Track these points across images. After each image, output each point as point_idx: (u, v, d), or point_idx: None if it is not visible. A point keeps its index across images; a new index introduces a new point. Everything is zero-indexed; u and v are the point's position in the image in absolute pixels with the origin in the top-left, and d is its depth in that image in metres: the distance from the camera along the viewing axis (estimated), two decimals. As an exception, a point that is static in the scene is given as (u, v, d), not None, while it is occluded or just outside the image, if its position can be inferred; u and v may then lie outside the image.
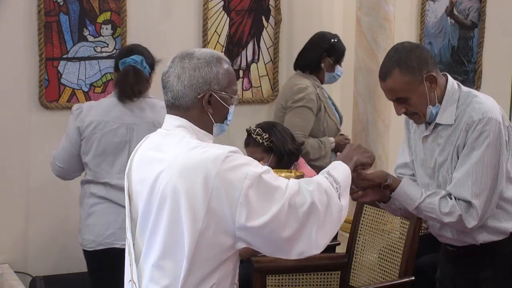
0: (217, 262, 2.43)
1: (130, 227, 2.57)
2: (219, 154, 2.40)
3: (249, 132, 4.41)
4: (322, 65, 4.91)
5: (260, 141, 4.33)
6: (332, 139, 4.87)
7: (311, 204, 2.44)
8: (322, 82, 4.97)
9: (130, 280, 2.56)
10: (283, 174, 2.83)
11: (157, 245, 2.46)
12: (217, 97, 2.52)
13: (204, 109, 2.52)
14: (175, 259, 2.43)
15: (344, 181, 2.59)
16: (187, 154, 2.43)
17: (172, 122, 2.55)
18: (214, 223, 2.39)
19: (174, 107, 2.54)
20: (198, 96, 2.51)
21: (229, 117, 2.59)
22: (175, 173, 2.41)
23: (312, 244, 2.47)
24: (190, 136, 2.50)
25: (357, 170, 2.82)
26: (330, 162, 4.73)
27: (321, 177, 2.54)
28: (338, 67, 4.93)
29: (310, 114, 4.80)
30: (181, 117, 2.53)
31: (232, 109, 2.59)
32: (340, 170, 2.61)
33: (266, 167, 2.45)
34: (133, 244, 2.55)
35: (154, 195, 2.47)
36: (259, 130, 4.38)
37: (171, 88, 2.53)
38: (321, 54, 4.90)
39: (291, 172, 3.00)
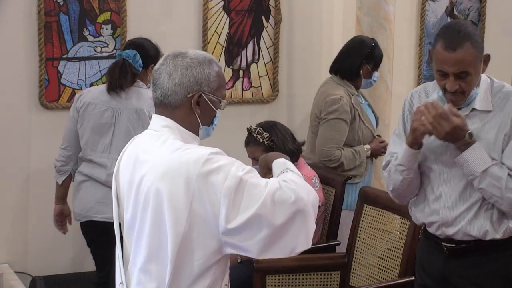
0: (205, 266, 2.41)
1: (118, 230, 2.57)
2: (200, 155, 2.38)
3: (249, 131, 4.41)
4: (361, 72, 4.84)
5: (261, 140, 4.33)
6: (367, 146, 4.81)
7: (295, 199, 2.40)
8: (358, 88, 4.90)
9: (121, 283, 2.55)
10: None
11: (143, 248, 2.46)
12: (206, 98, 2.51)
13: (192, 110, 2.50)
14: (160, 262, 2.41)
15: (298, 172, 2.57)
16: (169, 156, 2.41)
17: (159, 122, 2.53)
18: (197, 226, 2.37)
19: (162, 105, 2.52)
20: (188, 95, 2.49)
21: (215, 121, 2.58)
22: (157, 175, 2.40)
23: (302, 238, 2.43)
24: (174, 138, 2.48)
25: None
26: (365, 171, 4.80)
27: (290, 174, 2.50)
28: (375, 73, 4.86)
29: (344, 125, 4.74)
30: (168, 117, 2.51)
31: (219, 113, 2.57)
32: (291, 166, 2.57)
33: (248, 168, 2.42)
34: (122, 247, 2.55)
35: (139, 197, 2.46)
36: (259, 129, 4.38)
37: (161, 85, 2.51)
38: (361, 61, 4.81)
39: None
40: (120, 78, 4.29)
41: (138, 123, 4.30)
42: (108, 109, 4.33)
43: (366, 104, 4.99)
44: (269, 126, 4.42)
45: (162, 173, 2.39)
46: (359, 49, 4.85)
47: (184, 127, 2.51)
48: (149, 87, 4.35)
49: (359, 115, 4.79)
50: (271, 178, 2.47)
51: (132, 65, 4.30)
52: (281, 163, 2.59)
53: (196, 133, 2.55)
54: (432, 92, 3.21)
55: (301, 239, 2.43)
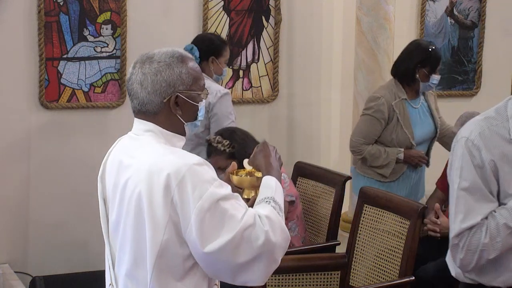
0: (182, 271, 2.39)
1: (107, 231, 2.55)
2: (182, 165, 2.34)
3: (208, 142, 4.32)
4: (417, 76, 4.85)
5: (222, 148, 4.22)
6: (401, 150, 4.82)
7: (264, 242, 2.36)
8: (417, 92, 4.90)
9: (110, 284, 2.55)
10: (256, 174, 2.75)
11: (127, 253, 2.45)
12: (183, 97, 2.47)
13: (172, 112, 2.46)
14: (144, 268, 2.40)
15: (282, 204, 2.52)
16: (151, 162, 2.38)
17: (140, 126, 2.50)
18: (174, 233, 2.35)
19: (141, 113, 2.49)
20: (164, 100, 2.45)
21: (200, 113, 2.53)
22: (140, 181, 2.38)
23: (259, 276, 2.40)
24: (157, 142, 2.45)
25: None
26: (392, 172, 4.80)
27: (271, 211, 2.44)
28: (433, 76, 4.81)
29: (375, 123, 4.79)
30: (149, 121, 2.48)
31: (202, 105, 2.53)
32: (279, 193, 2.53)
33: (228, 191, 2.38)
34: (109, 248, 2.54)
35: (123, 201, 2.44)
36: (218, 137, 4.27)
37: (136, 96, 2.47)
38: (415, 65, 4.80)
39: (253, 171, 2.89)
40: None
41: None
42: None
43: (425, 111, 4.95)
44: (229, 133, 4.31)
45: (144, 179, 2.37)
46: (413, 53, 4.85)
47: (168, 129, 2.48)
48: (215, 79, 4.74)
49: (398, 118, 4.80)
50: (248, 210, 2.39)
51: None
52: (271, 188, 2.53)
53: (181, 132, 2.52)
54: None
55: (256, 277, 2.40)
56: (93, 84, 5.11)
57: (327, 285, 4.16)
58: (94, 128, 5.12)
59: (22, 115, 4.98)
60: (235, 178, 2.68)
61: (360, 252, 4.17)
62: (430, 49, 4.83)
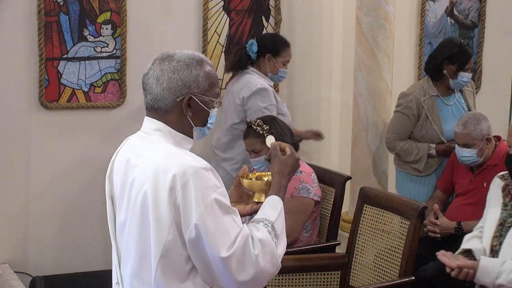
0: (184, 272, 2.40)
1: (114, 230, 2.56)
2: (188, 167, 2.36)
3: (249, 124, 4.43)
4: (445, 72, 4.88)
5: (261, 132, 4.33)
6: (432, 145, 4.87)
7: (254, 264, 2.38)
8: (448, 88, 4.93)
9: (117, 283, 2.56)
10: (265, 178, 2.76)
11: (133, 252, 2.46)
12: (197, 100, 2.48)
13: (183, 112, 2.48)
14: (149, 267, 2.41)
15: (282, 230, 2.51)
16: (158, 162, 2.39)
17: (150, 125, 2.51)
18: (177, 234, 2.37)
19: (153, 110, 2.51)
20: (177, 99, 2.47)
21: (211, 120, 2.54)
22: (146, 181, 2.40)
23: None
24: (166, 142, 2.47)
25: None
26: (426, 167, 4.86)
27: (266, 236, 2.44)
28: (462, 74, 4.85)
29: (404, 119, 4.91)
30: (159, 120, 2.49)
31: (213, 112, 2.54)
32: (281, 220, 2.52)
33: (228, 203, 2.40)
34: (116, 247, 2.55)
35: (130, 200, 2.46)
36: (259, 121, 4.39)
37: (150, 91, 2.50)
38: (442, 61, 4.87)
39: (263, 175, 2.89)
40: (230, 60, 5.01)
41: (230, 104, 4.93)
42: (227, 91, 5.04)
43: (460, 108, 4.98)
44: (269, 119, 4.44)
45: (150, 178, 2.38)
46: (442, 49, 4.97)
47: (176, 130, 2.49)
48: (270, 77, 4.95)
49: (427, 115, 4.86)
50: (243, 231, 2.40)
51: (246, 52, 4.89)
52: (275, 210, 2.52)
53: (190, 135, 2.53)
54: None
55: None
56: (93, 84, 5.11)
57: (327, 285, 4.16)
58: (94, 128, 5.12)
59: (22, 115, 4.98)
60: (245, 182, 2.69)
61: (360, 252, 4.17)
62: (459, 46, 4.89)
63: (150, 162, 2.41)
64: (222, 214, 2.36)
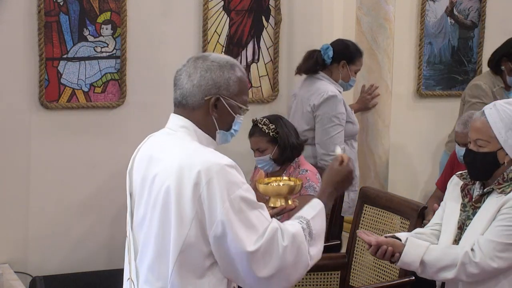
0: (202, 269, 2.42)
1: (130, 224, 2.58)
2: (214, 164, 2.38)
3: (255, 122, 4.44)
4: (503, 67, 4.92)
5: (266, 131, 4.35)
6: None
7: (281, 256, 2.40)
8: (506, 85, 4.98)
9: (129, 279, 2.56)
10: (281, 183, 2.79)
11: (151, 246, 2.47)
12: (224, 102, 2.51)
13: (209, 113, 2.51)
14: (166, 262, 2.43)
15: (319, 231, 2.53)
16: (183, 157, 2.42)
17: (176, 121, 2.55)
18: (199, 230, 2.38)
19: (181, 106, 2.54)
20: (205, 98, 2.50)
21: (235, 127, 2.57)
22: (169, 175, 2.42)
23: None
24: (191, 139, 2.49)
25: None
26: None
27: (298, 229, 2.47)
28: None
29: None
30: (186, 117, 2.52)
31: (239, 119, 2.56)
32: (319, 220, 2.54)
33: (254, 198, 2.41)
34: (133, 241, 2.56)
35: (151, 195, 2.48)
36: (266, 120, 4.41)
37: (181, 86, 2.53)
38: (500, 57, 4.95)
39: (289, 180, 2.94)
40: (302, 62, 4.97)
41: (297, 110, 4.94)
42: (294, 95, 5.07)
43: None
44: (275, 119, 4.47)
45: (174, 174, 2.40)
46: (504, 45, 5.06)
47: (201, 129, 2.52)
48: (340, 84, 4.93)
49: None
50: (271, 225, 2.42)
51: (320, 55, 4.89)
52: (314, 210, 2.55)
53: (213, 137, 2.55)
54: None
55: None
56: (93, 84, 5.11)
57: (327, 285, 4.16)
58: (94, 128, 5.12)
59: (22, 115, 4.98)
60: (261, 187, 2.71)
61: (360, 252, 4.17)
62: None
63: (174, 158, 2.44)
64: (249, 209, 2.38)
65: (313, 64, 4.91)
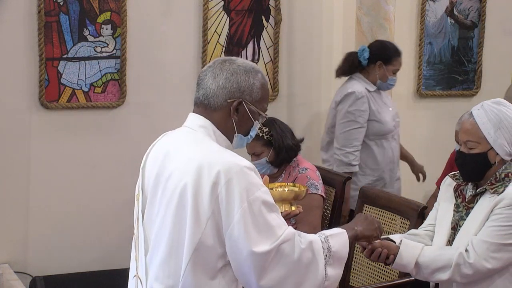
0: (214, 269, 2.43)
1: (141, 221, 2.58)
2: (233, 165, 2.40)
3: None
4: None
5: (260, 134, 4.34)
6: None
7: (298, 257, 2.42)
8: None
9: (135, 276, 2.56)
10: (286, 189, 2.81)
11: (163, 244, 2.47)
12: (246, 107, 2.54)
13: (230, 115, 2.53)
14: (178, 259, 2.43)
15: (339, 252, 2.54)
16: (202, 156, 2.43)
17: (196, 121, 2.56)
18: (214, 229, 2.39)
19: (202, 106, 2.55)
20: (228, 100, 2.52)
21: (252, 133, 2.60)
22: (187, 173, 2.42)
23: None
24: (210, 139, 2.51)
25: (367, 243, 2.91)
26: None
27: (316, 238, 2.50)
28: None
29: None
30: (206, 117, 2.53)
31: (257, 125, 2.59)
32: (338, 240, 2.56)
33: (272, 201, 2.43)
34: (144, 238, 2.55)
35: (166, 192, 2.48)
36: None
37: (204, 86, 2.54)
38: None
39: (295, 186, 2.97)
40: (341, 65, 5.05)
41: (331, 110, 5.09)
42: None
43: None
44: (269, 122, 4.45)
45: (193, 172, 2.41)
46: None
47: (220, 131, 2.53)
48: (378, 85, 4.99)
49: None
50: (289, 228, 2.44)
51: (356, 57, 4.95)
52: (336, 234, 2.58)
53: (231, 140, 2.57)
54: None
55: None
56: (93, 84, 5.11)
57: (327, 285, 4.15)
58: (94, 128, 5.12)
59: (22, 115, 4.98)
60: None
61: (360, 252, 4.17)
62: None
63: (194, 156, 2.44)
64: (267, 211, 2.40)
65: (349, 66, 5.02)
